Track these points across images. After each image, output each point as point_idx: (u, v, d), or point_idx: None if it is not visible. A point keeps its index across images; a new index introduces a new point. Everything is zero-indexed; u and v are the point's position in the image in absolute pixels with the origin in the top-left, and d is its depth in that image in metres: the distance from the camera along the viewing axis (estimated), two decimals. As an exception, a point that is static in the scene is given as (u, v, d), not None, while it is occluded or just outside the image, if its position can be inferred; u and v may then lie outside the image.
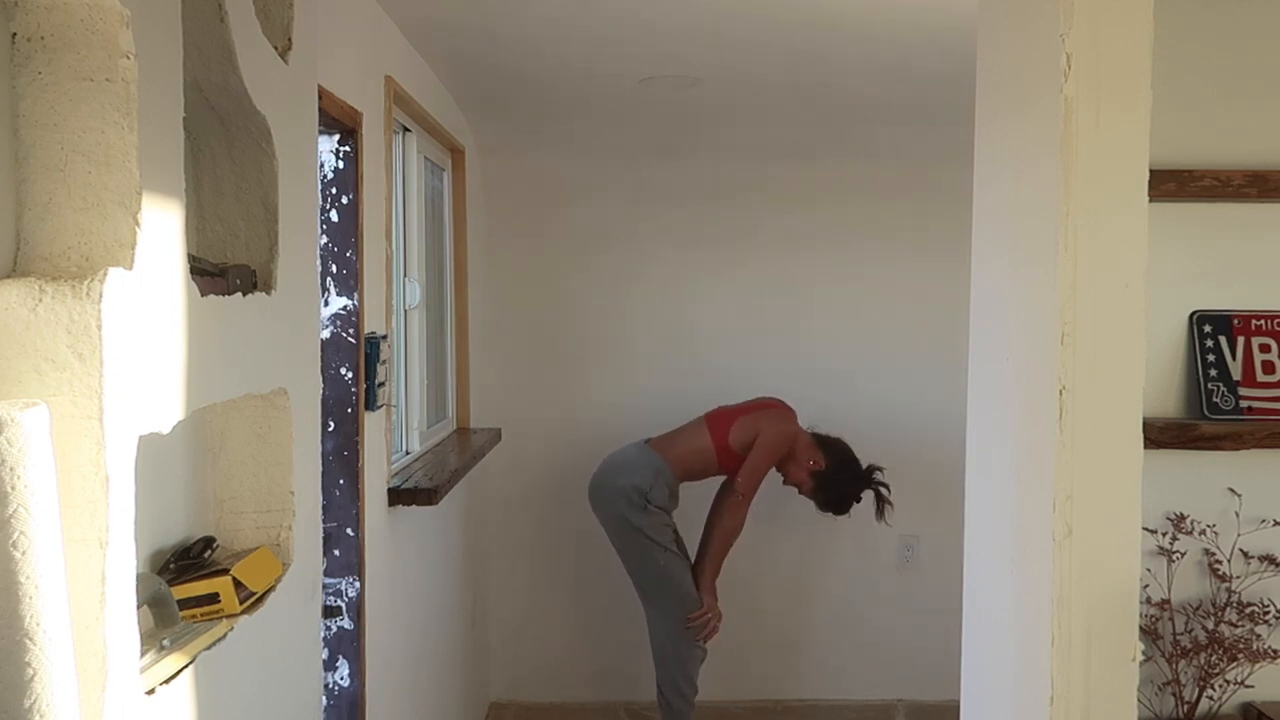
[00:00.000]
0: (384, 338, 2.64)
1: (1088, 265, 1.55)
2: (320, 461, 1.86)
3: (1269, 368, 2.08)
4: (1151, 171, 1.56)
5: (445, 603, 3.57)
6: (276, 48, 1.64)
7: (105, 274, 1.04)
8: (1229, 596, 2.05)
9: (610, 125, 4.17)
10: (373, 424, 2.61)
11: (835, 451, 3.91)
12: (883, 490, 3.95)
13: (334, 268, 2.45)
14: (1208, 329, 2.08)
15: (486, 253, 4.39)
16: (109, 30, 1.08)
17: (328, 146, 2.44)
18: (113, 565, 1.04)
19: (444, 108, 3.57)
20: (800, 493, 3.96)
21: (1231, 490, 2.07)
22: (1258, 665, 2.03)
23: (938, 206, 4.23)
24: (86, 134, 1.08)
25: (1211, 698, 2.05)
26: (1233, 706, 2.06)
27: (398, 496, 2.77)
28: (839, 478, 3.91)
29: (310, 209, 1.82)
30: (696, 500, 4.00)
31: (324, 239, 2.42)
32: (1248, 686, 2.04)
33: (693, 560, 3.92)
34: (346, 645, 2.46)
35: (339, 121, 2.33)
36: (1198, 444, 2.00)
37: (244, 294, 1.48)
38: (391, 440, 2.85)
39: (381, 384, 2.60)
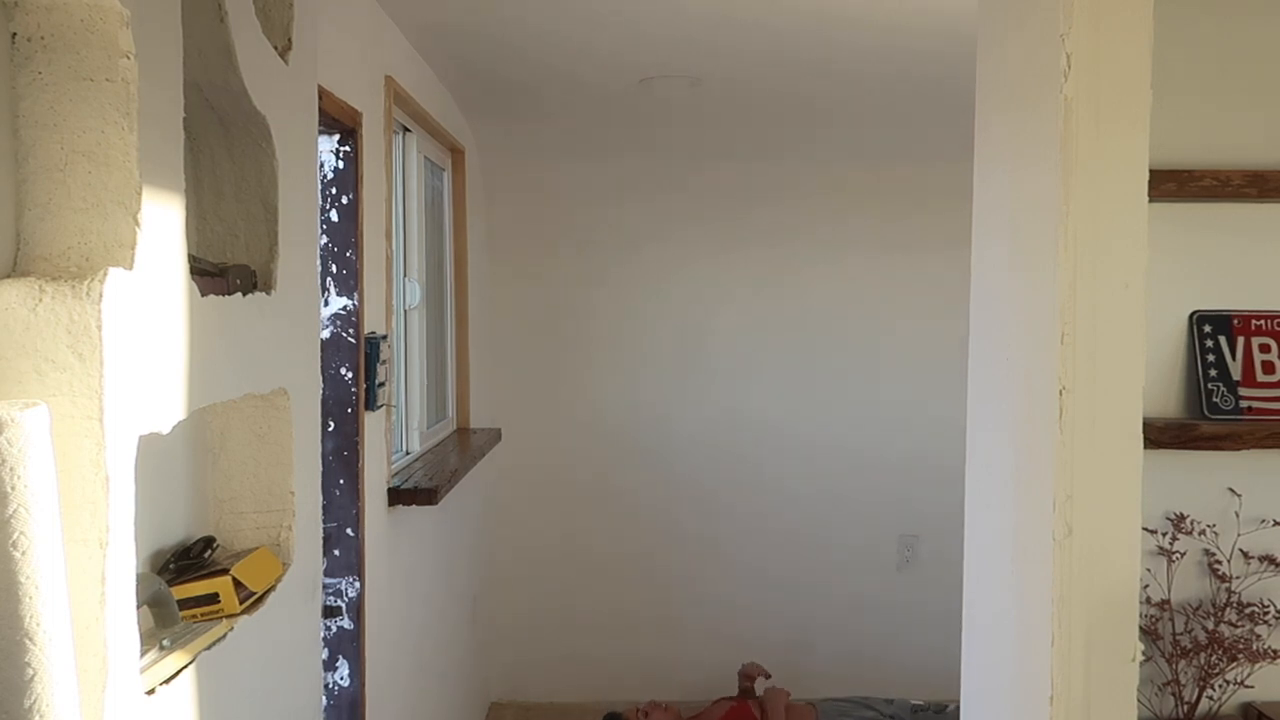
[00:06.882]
0: (384, 338, 2.64)
1: (1088, 265, 1.55)
2: (320, 461, 1.85)
3: (1269, 368, 2.08)
4: (1151, 171, 1.55)
5: (445, 603, 3.56)
6: (276, 48, 1.64)
7: (105, 274, 1.04)
8: (1229, 596, 2.05)
9: (610, 125, 4.17)
10: (373, 424, 2.60)
11: None
12: None
13: (334, 268, 2.45)
14: (1208, 329, 2.08)
15: (486, 253, 4.38)
16: (109, 30, 1.08)
17: (328, 146, 2.44)
18: (113, 565, 1.04)
19: (444, 108, 3.56)
20: None
21: (1231, 490, 2.07)
22: (1258, 665, 2.03)
23: (938, 206, 4.23)
24: (86, 134, 1.08)
25: (1211, 698, 2.05)
26: (1233, 706, 2.06)
27: (398, 496, 2.77)
28: None
29: (310, 209, 1.82)
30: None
31: (324, 239, 2.42)
32: (1248, 686, 2.04)
33: None
34: (346, 645, 2.46)
35: (339, 121, 2.34)
36: (1198, 444, 2.00)
37: (244, 294, 1.48)
38: (391, 440, 2.85)
39: (381, 384, 2.60)
